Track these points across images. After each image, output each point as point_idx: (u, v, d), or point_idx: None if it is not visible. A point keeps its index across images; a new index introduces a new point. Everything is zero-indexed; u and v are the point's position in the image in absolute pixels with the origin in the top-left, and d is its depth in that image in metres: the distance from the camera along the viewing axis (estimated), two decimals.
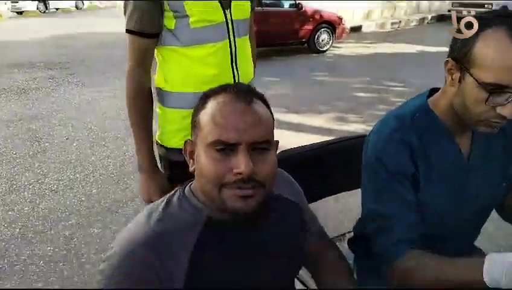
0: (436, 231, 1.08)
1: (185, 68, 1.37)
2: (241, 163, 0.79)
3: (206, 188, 0.84)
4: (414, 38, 10.17)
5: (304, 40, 8.89)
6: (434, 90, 1.12)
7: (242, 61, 1.46)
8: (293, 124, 4.64)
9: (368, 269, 1.30)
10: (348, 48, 9.56)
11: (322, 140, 1.61)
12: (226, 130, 0.80)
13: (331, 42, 9.12)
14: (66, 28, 14.02)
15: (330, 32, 9.04)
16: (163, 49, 1.38)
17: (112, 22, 13.20)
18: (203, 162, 0.83)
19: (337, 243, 1.60)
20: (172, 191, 0.93)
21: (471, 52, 0.92)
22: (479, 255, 1.22)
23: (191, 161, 0.89)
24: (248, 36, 1.52)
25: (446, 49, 1.04)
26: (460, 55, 0.95)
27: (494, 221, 1.27)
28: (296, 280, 1.46)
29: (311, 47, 8.94)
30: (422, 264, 0.98)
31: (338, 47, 9.51)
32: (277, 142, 0.94)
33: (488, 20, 0.91)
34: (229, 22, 1.38)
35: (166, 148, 1.46)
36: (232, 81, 1.42)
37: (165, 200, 0.90)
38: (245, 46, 1.49)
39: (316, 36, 8.87)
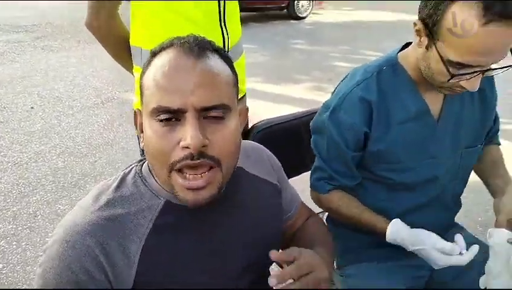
0: (409, 181, 1.10)
1: (171, 23, 1.22)
2: (187, 133, 0.64)
3: (155, 169, 0.71)
4: (396, 6, 10.01)
5: (283, 5, 8.62)
6: (407, 45, 1.08)
7: (231, 20, 1.33)
8: (272, 94, 4.52)
9: (344, 249, 1.26)
10: (327, 15, 9.36)
11: (299, 111, 1.51)
12: (167, 94, 0.65)
13: (310, 8, 8.90)
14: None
15: None
16: None
17: None
18: (147, 136, 0.68)
19: None
20: (128, 168, 0.79)
21: (440, 24, 0.86)
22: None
23: (142, 135, 0.73)
24: None
25: None
26: (430, 22, 0.89)
27: (472, 196, 1.23)
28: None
29: (290, 13, 8.69)
30: (341, 204, 1.13)
31: (318, 13, 9.30)
32: (245, 109, 0.80)
33: None
34: None
35: None
36: (221, 44, 1.30)
37: (118, 179, 0.76)
38: (234, 3, 1.35)
39: (296, 2, 8.62)
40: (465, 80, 0.90)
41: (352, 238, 1.22)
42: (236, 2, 1.39)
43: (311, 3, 8.85)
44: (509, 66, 0.91)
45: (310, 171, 1.45)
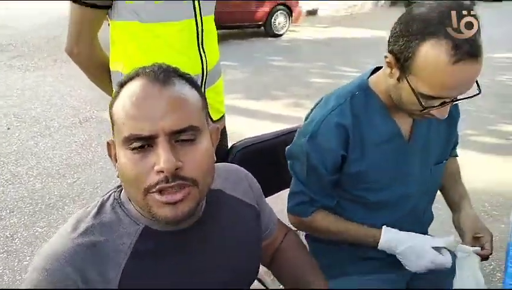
0: (384, 199, 1.15)
1: (149, 47, 1.25)
2: (160, 158, 0.66)
3: (131, 195, 0.73)
4: (368, 23, 10.29)
5: (260, 23, 8.76)
6: (377, 69, 1.13)
7: (209, 43, 1.36)
8: (251, 111, 4.57)
9: (324, 264, 1.28)
10: (304, 32, 9.53)
11: (279, 127, 1.56)
12: (137, 121, 0.67)
13: (287, 26, 9.06)
14: (7, 6, 13.09)
15: (287, 15, 8.97)
16: (123, 24, 1.24)
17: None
18: (121, 164, 0.70)
19: None
20: (107, 194, 0.81)
21: (412, 60, 0.92)
22: None
23: (117, 164, 0.74)
24: (213, 16, 1.42)
25: None
26: (402, 57, 0.94)
27: (446, 208, 1.30)
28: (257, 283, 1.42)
29: (267, 30, 8.83)
30: (329, 223, 1.18)
31: (294, 31, 9.46)
32: (216, 128, 0.83)
33: (434, 26, 0.88)
34: None
35: None
36: (199, 67, 1.33)
37: (97, 206, 0.78)
38: (211, 26, 1.39)
39: (273, 19, 8.78)
40: (436, 109, 0.96)
41: (331, 254, 1.26)
42: (214, 26, 1.43)
43: (287, 20, 9.02)
44: (475, 94, 0.98)
45: (288, 189, 1.49)
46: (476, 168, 3.30)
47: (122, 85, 0.74)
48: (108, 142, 0.78)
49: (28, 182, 3.08)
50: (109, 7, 1.24)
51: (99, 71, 1.38)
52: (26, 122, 4.16)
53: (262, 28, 8.87)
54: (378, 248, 1.12)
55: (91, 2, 1.21)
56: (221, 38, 8.47)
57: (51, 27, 8.96)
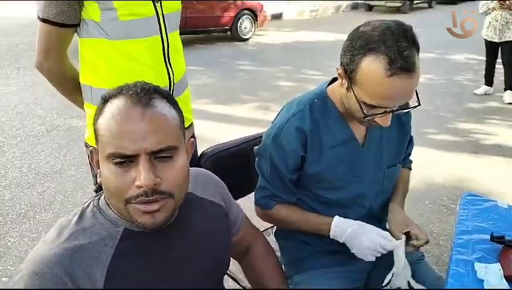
0: (341, 197, 1.25)
1: (118, 63, 1.29)
2: (141, 174, 0.74)
3: (112, 203, 0.81)
4: (331, 27, 10.56)
5: (226, 27, 8.86)
6: (335, 79, 1.24)
7: (175, 57, 1.42)
8: (219, 115, 4.65)
9: (292, 260, 1.40)
10: (269, 36, 9.69)
11: (248, 131, 1.65)
12: (121, 141, 0.74)
13: (253, 30, 9.19)
14: None
15: (252, 19, 9.10)
16: (91, 41, 1.29)
17: (14, 5, 12.08)
18: (104, 175, 0.78)
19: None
20: (87, 203, 0.87)
21: (356, 72, 1.04)
22: None
23: (99, 171, 0.81)
24: (178, 30, 1.49)
25: None
26: (348, 69, 1.06)
27: (409, 203, 1.39)
28: (227, 277, 1.49)
29: (234, 35, 8.94)
30: (290, 213, 1.28)
31: (260, 35, 9.60)
32: (191, 142, 0.91)
33: (375, 42, 1.00)
34: (160, 15, 1.33)
35: None
36: (166, 80, 1.39)
37: (78, 214, 0.84)
38: (177, 41, 1.46)
39: (239, 24, 8.89)
40: (378, 118, 1.08)
41: (299, 249, 1.36)
42: (179, 39, 1.49)
43: (253, 25, 9.15)
44: (414, 106, 1.11)
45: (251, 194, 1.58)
46: (435, 165, 3.51)
47: (105, 100, 0.80)
48: (91, 150, 0.84)
49: None
50: (78, 25, 1.28)
51: (69, 85, 1.42)
52: None
53: (229, 32, 8.97)
54: (330, 235, 1.22)
55: (59, 21, 1.25)
56: (188, 43, 8.51)
57: (12, 34, 8.72)
